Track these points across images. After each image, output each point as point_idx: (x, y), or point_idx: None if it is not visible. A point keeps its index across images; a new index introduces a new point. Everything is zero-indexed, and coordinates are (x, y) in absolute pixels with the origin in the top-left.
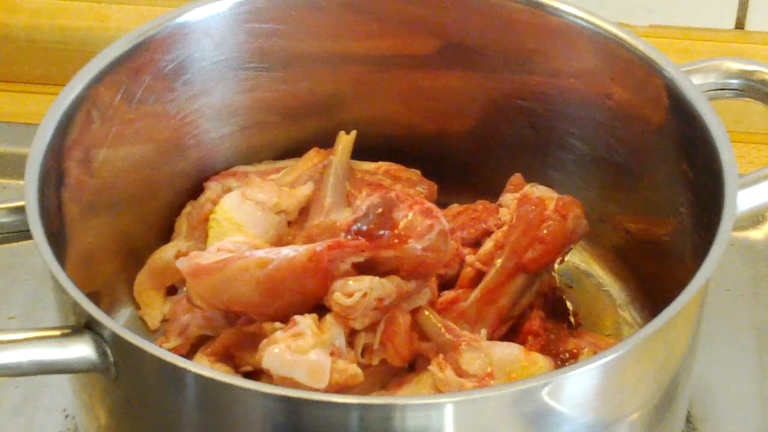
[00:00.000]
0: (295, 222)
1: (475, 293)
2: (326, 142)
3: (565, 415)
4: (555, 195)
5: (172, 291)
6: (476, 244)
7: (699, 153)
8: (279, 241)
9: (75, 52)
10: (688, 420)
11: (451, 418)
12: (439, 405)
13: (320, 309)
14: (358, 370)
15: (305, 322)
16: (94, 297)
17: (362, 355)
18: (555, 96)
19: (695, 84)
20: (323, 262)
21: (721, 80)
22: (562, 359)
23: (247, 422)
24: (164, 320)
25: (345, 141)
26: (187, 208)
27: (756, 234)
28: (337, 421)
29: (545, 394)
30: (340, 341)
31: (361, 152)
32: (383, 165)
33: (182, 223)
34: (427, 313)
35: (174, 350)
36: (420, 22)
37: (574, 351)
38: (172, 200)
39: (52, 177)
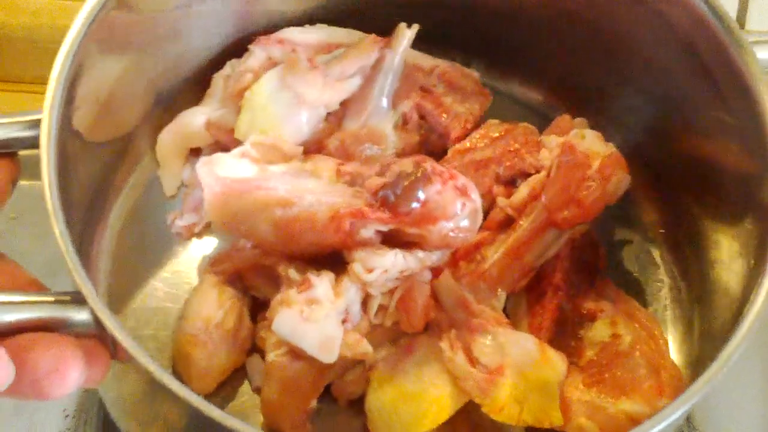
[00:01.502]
0: (335, 114)
1: (498, 253)
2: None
3: None
4: (602, 147)
5: (197, 151)
6: (511, 181)
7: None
8: (311, 136)
9: None
10: (689, 420)
11: None
12: None
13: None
14: (368, 348)
15: (322, 286)
16: (119, 143)
17: (375, 314)
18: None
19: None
20: (343, 227)
21: None
22: (578, 321)
23: None
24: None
25: (404, 36)
26: (227, 69)
27: None
28: None
29: None
30: (356, 307)
31: None
32: (441, 65)
33: (217, 84)
34: (445, 283)
35: (187, 229)
36: None
37: (591, 312)
38: (204, 47)
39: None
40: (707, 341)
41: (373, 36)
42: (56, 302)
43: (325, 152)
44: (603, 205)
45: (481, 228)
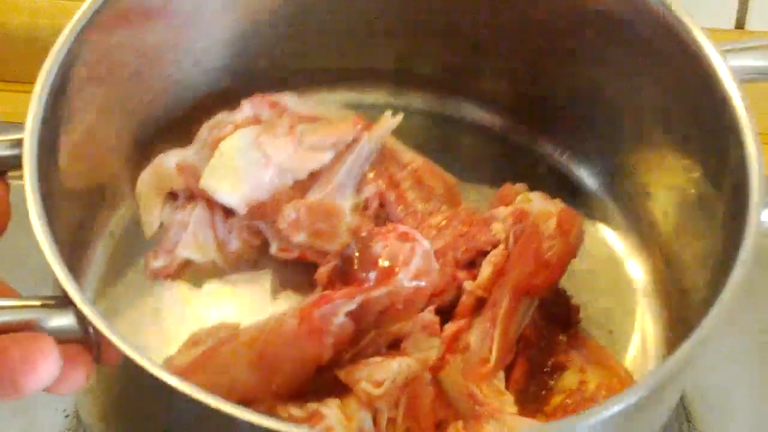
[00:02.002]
0: (303, 183)
1: (492, 340)
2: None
3: None
4: (552, 206)
5: (175, 195)
6: (471, 264)
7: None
8: (270, 198)
9: None
10: (688, 420)
11: None
12: None
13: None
14: None
15: (333, 415)
16: (99, 192)
17: (386, 427)
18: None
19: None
20: (315, 322)
21: None
22: (548, 372)
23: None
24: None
25: (385, 124)
26: (215, 120)
27: None
28: None
29: None
30: (368, 425)
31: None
32: (416, 162)
33: (203, 132)
34: (450, 378)
35: (161, 270)
36: None
37: (562, 363)
38: (188, 97)
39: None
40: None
41: (355, 117)
42: (41, 306)
43: (279, 219)
44: (569, 260)
45: (456, 317)
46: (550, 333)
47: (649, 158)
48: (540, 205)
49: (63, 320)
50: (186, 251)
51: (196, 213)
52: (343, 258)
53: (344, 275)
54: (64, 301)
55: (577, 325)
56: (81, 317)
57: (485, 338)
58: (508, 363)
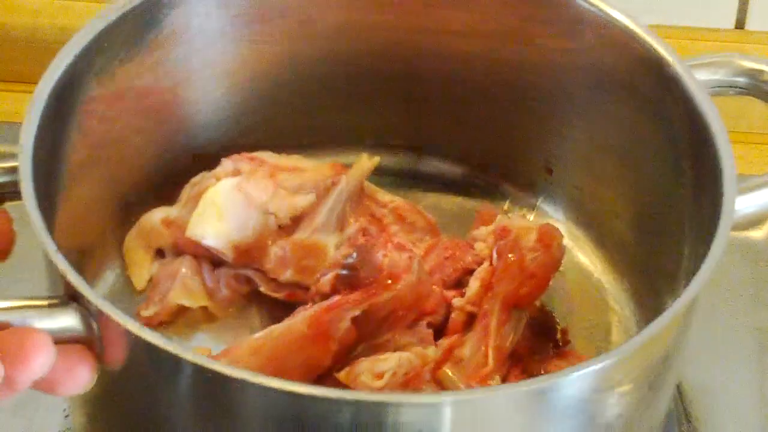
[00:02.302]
0: (287, 227)
1: (483, 353)
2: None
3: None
4: (530, 223)
5: (162, 253)
6: (457, 284)
7: (699, 153)
8: (255, 239)
9: None
10: (688, 420)
11: (449, 418)
12: (436, 405)
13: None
14: None
15: None
16: (86, 253)
17: None
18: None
19: (700, 79)
20: (324, 326)
21: (728, 77)
22: None
23: (234, 408)
24: (151, 281)
25: (362, 166)
26: (197, 177)
27: (756, 234)
28: (332, 416)
29: (545, 395)
30: None
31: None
32: (396, 201)
33: (187, 191)
34: (450, 374)
35: (152, 317)
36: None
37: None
38: (174, 160)
39: (48, 134)
40: None
41: (331, 163)
42: (42, 306)
43: (266, 259)
44: (553, 271)
45: (448, 333)
46: (542, 350)
47: (613, 184)
48: (519, 221)
49: (66, 319)
50: (177, 298)
51: (185, 265)
52: (346, 266)
53: (351, 282)
54: (65, 300)
55: (567, 345)
56: (84, 314)
57: (479, 348)
58: (502, 375)
